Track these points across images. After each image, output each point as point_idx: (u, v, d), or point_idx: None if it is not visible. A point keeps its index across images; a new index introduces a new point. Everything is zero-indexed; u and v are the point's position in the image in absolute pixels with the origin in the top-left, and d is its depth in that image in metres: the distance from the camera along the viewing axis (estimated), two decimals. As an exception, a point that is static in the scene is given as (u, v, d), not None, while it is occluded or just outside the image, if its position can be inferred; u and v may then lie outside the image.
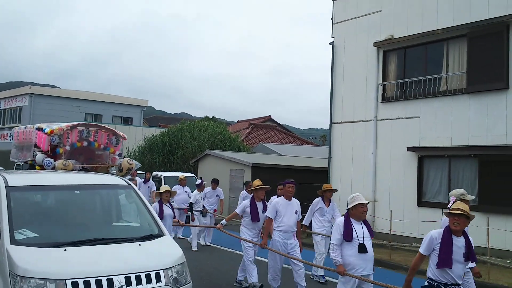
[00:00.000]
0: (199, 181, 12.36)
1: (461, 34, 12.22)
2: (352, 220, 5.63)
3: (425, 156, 12.80)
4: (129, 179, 8.75)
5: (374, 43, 14.06)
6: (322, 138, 54.50)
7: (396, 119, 13.51)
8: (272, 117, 38.31)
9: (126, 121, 35.52)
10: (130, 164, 10.57)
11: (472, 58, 11.95)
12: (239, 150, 24.53)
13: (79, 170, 9.48)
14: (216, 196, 12.29)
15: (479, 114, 11.75)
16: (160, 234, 5.23)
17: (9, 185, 5.08)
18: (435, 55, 13.04)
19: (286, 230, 7.14)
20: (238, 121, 40.90)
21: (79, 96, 34.44)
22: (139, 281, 4.43)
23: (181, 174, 15.49)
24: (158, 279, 4.56)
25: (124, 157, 11.38)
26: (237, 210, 7.88)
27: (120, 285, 4.31)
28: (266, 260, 7.86)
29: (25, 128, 10.97)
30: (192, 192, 12.45)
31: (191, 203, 11.76)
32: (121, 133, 11.31)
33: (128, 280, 4.37)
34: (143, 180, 14.93)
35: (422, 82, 12.98)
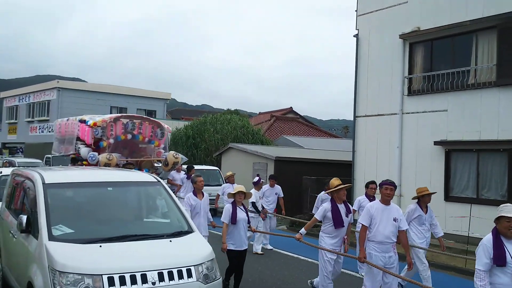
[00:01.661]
0: (256, 179, 11.06)
1: (490, 25, 11.92)
2: (502, 238, 4.31)
3: (453, 150, 12.59)
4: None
5: (400, 35, 13.84)
6: (345, 129, 54.15)
7: (423, 112, 13.31)
8: (293, 109, 38.17)
9: (150, 114, 35.93)
10: (176, 158, 9.98)
11: (502, 50, 11.65)
12: (261, 143, 24.57)
13: (123, 165, 9.21)
14: (275, 194, 11.23)
15: (509, 108, 11.48)
16: (190, 231, 5.34)
17: (46, 182, 5.24)
18: (464, 48, 12.75)
19: (382, 241, 6.15)
20: (260, 113, 40.91)
21: (104, 89, 35.00)
22: (171, 277, 4.54)
23: (209, 167, 14.47)
24: (190, 275, 4.66)
25: (170, 150, 10.70)
26: (317, 216, 6.77)
27: (153, 281, 4.43)
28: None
29: (67, 120, 10.53)
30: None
31: (253, 203, 10.54)
32: (166, 126, 10.92)
33: (161, 276, 4.49)
34: (185, 175, 13.24)
35: (450, 75, 12.73)
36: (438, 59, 13.33)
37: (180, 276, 4.60)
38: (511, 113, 11.42)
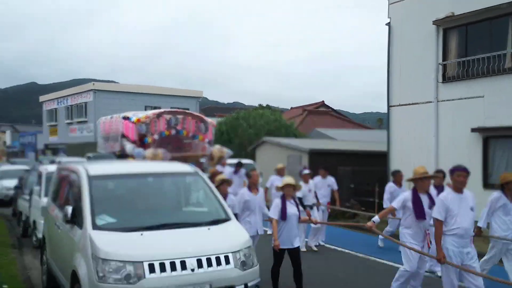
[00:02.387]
0: (306, 171, 9.89)
1: (528, 6, 11.53)
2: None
3: (491, 136, 12.26)
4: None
5: (433, 21, 13.54)
6: (378, 122, 53.26)
7: (459, 99, 13.00)
8: (325, 103, 37.87)
9: (183, 112, 36.49)
10: (221, 152, 9.92)
11: (541, 31, 11.26)
12: (295, 137, 24.56)
13: (169, 160, 9.01)
14: (328, 186, 10.57)
15: (550, 91, 11.10)
16: (227, 219, 5.45)
17: (90, 174, 5.45)
18: (500, 31, 12.37)
19: (461, 235, 5.54)
20: (292, 108, 40.78)
21: (137, 90, 35.74)
22: (209, 264, 4.64)
23: (245, 161, 13.80)
24: (227, 261, 4.75)
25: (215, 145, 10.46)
26: (395, 204, 6.15)
27: (192, 267, 4.54)
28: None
29: (111, 118, 10.69)
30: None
31: (300, 198, 9.17)
32: (210, 120, 10.63)
33: (199, 263, 4.59)
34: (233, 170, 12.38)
35: (486, 59, 12.38)
36: (473, 44, 12.99)
37: (218, 263, 4.69)
38: (552, 96, 11.03)
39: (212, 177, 7.23)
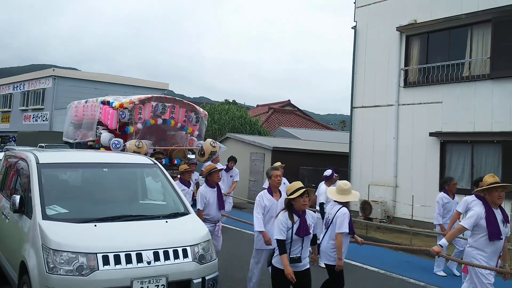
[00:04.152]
0: (329, 172, 8.58)
1: (486, 19, 11.99)
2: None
3: (448, 141, 12.68)
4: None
5: (397, 27, 13.87)
6: (342, 124, 54.16)
7: (418, 104, 13.37)
8: (291, 102, 38.14)
9: (147, 104, 35.88)
10: (214, 147, 8.59)
11: (497, 43, 11.74)
12: (259, 134, 24.62)
13: (151, 154, 8.06)
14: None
15: (502, 100, 11.57)
16: (186, 212, 5.36)
17: (40, 162, 5.23)
18: (459, 40, 12.81)
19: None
20: (258, 105, 40.86)
21: (101, 78, 34.77)
22: (167, 256, 4.55)
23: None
24: (185, 255, 4.68)
25: (206, 138, 9.21)
26: (465, 224, 5.09)
27: (149, 260, 4.44)
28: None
29: (85, 102, 9.30)
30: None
31: (321, 204, 8.27)
32: (202, 110, 9.19)
33: (156, 255, 4.49)
34: (224, 167, 11.22)
35: (445, 67, 12.79)
36: (433, 52, 13.40)
37: (176, 256, 4.60)
38: (504, 106, 11.52)
39: (209, 175, 6.60)
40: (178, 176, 8.04)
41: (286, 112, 33.47)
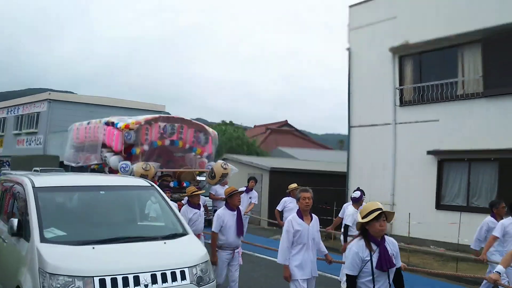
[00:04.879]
0: (357, 193, 8.17)
1: (475, 39, 12.19)
2: None
3: (445, 159, 12.71)
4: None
5: (389, 48, 14.07)
6: (339, 143, 54.27)
7: (415, 122, 13.46)
8: (288, 122, 38.30)
9: (144, 126, 35.75)
10: (225, 169, 8.29)
11: (487, 63, 11.93)
12: (256, 155, 24.64)
13: (159, 177, 7.75)
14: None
15: (498, 118, 11.67)
16: (184, 233, 5.31)
17: (36, 186, 5.21)
18: (451, 60, 13.01)
19: None
20: (255, 126, 41.01)
21: (97, 101, 34.54)
22: (164, 279, 4.48)
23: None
24: (183, 277, 4.61)
25: (217, 160, 8.80)
26: None
27: (146, 283, 4.37)
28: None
29: (88, 123, 8.93)
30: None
31: (346, 226, 7.90)
32: (211, 130, 8.88)
33: (154, 278, 4.43)
34: (244, 189, 10.16)
35: (439, 86, 12.94)
36: (427, 71, 13.59)
37: (174, 278, 4.54)
38: (500, 123, 11.61)
39: (229, 197, 6.24)
40: (182, 201, 7.61)
41: (283, 132, 33.60)
